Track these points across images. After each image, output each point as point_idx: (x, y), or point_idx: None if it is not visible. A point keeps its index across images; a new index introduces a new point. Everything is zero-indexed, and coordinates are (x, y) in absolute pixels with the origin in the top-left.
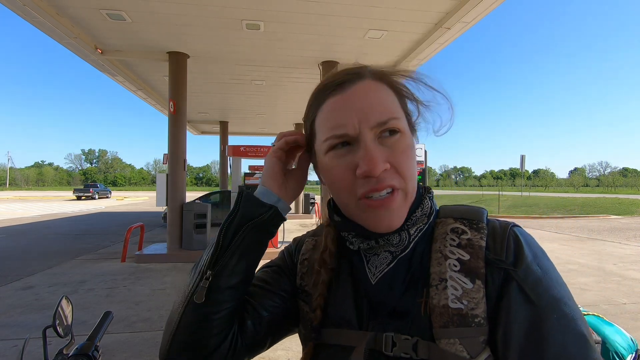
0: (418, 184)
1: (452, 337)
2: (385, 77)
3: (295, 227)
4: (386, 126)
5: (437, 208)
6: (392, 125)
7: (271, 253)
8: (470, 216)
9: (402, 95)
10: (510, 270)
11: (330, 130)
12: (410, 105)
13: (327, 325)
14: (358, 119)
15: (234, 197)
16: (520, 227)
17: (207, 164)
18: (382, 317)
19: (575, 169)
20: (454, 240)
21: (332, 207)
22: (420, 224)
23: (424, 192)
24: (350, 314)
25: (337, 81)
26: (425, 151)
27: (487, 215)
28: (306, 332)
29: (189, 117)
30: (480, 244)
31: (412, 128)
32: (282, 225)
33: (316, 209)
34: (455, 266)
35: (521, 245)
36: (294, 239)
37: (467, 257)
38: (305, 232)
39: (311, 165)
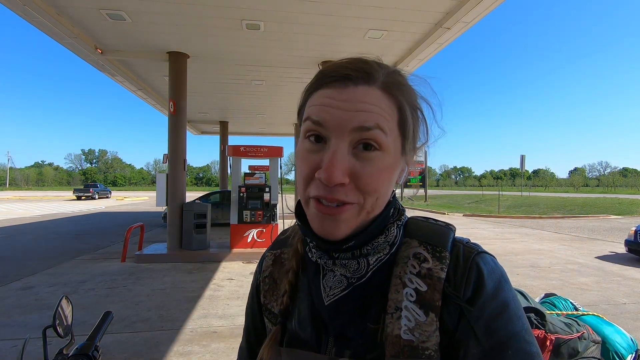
0: (395, 205)
1: None
2: (397, 91)
3: None
4: (367, 135)
5: (406, 218)
6: (374, 136)
7: None
8: (434, 241)
9: (409, 116)
10: (465, 309)
11: (313, 113)
12: (415, 128)
13: (287, 343)
14: (342, 118)
15: (234, 197)
16: (485, 253)
17: (207, 164)
18: (335, 338)
19: (575, 169)
20: (414, 267)
21: (299, 209)
22: (381, 254)
23: (395, 215)
24: (309, 334)
25: (344, 72)
26: (426, 151)
27: (453, 238)
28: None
29: (189, 117)
30: (440, 276)
31: (406, 151)
32: (281, 225)
33: None
34: (412, 296)
35: (482, 279)
36: (261, 257)
37: (424, 288)
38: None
39: None
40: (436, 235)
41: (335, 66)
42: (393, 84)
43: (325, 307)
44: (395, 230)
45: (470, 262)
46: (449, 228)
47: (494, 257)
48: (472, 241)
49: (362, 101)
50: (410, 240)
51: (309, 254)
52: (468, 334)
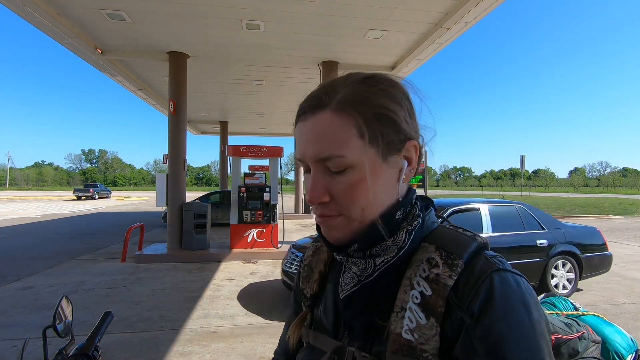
0: (407, 208)
1: None
2: (353, 106)
3: (295, 227)
4: (329, 162)
5: (432, 225)
6: (334, 163)
7: (272, 253)
8: (451, 248)
9: (374, 122)
10: (467, 322)
11: (295, 152)
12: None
13: (314, 326)
14: (306, 152)
15: (234, 197)
16: (506, 271)
17: (207, 164)
18: (349, 329)
19: (575, 169)
20: (424, 271)
21: None
22: (388, 256)
23: (407, 220)
24: (331, 322)
25: (303, 105)
26: (425, 151)
27: (475, 249)
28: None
29: (189, 117)
30: (446, 283)
31: (393, 150)
32: (281, 225)
33: None
34: (417, 298)
35: (492, 297)
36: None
37: (429, 292)
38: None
39: None
40: (455, 243)
41: (303, 101)
42: (347, 100)
43: (340, 300)
44: (405, 235)
45: (484, 276)
46: (474, 239)
47: (522, 278)
48: (499, 257)
49: (317, 130)
50: (429, 245)
51: (334, 253)
52: (469, 351)
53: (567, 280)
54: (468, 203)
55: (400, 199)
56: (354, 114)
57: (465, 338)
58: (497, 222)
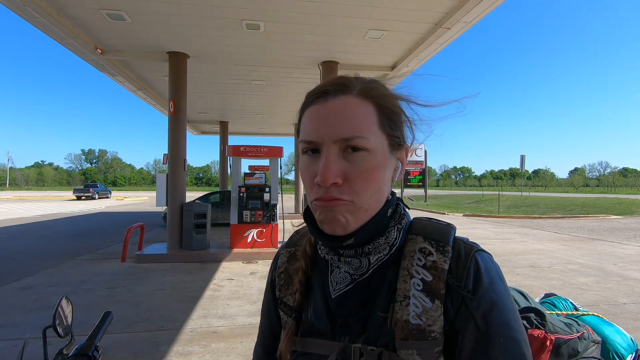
0: (395, 206)
1: (410, 348)
2: (373, 96)
3: (294, 227)
4: (349, 143)
5: (410, 219)
6: (356, 144)
7: (272, 253)
8: (438, 237)
9: (388, 116)
10: (466, 297)
11: (304, 135)
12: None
13: (303, 333)
14: (326, 132)
15: (234, 197)
16: (483, 251)
17: (207, 164)
18: (343, 327)
19: (575, 169)
20: (420, 260)
21: (307, 211)
22: (382, 254)
23: (396, 218)
24: (324, 324)
25: (323, 89)
26: (426, 151)
27: (454, 235)
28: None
29: (189, 117)
30: (443, 267)
31: (396, 147)
32: (281, 225)
33: None
34: (419, 285)
35: (480, 273)
36: (275, 254)
37: (430, 278)
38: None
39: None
40: (439, 233)
41: (318, 86)
42: (369, 90)
43: (332, 300)
44: (396, 233)
45: (470, 257)
46: (450, 227)
47: (490, 255)
48: (470, 240)
49: (341, 110)
50: (416, 237)
51: (319, 250)
52: (468, 320)
53: None
54: None
55: (389, 198)
56: (374, 104)
57: (464, 311)
58: None
